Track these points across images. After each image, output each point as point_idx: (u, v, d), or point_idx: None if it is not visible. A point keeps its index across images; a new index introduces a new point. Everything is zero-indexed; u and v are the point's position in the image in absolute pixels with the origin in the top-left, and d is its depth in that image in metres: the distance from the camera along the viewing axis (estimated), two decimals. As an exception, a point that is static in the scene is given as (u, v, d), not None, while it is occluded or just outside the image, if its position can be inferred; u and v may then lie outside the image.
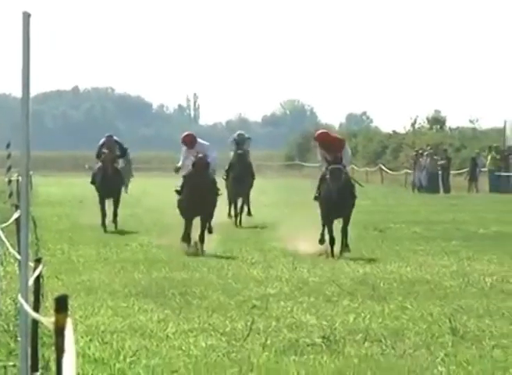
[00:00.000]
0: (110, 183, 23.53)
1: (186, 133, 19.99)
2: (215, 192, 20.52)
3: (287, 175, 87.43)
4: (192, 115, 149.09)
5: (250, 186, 30.74)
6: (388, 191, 61.24)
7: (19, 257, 8.84)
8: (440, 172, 58.92)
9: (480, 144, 68.03)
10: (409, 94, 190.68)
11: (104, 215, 23.94)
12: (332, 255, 19.71)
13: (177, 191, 20.21)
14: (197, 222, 21.15)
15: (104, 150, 23.54)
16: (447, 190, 58.01)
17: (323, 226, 20.12)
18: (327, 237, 20.44)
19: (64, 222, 25.04)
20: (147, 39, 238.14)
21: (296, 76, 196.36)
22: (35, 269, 7.93)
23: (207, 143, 20.56)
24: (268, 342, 10.99)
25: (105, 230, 23.62)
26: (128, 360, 9.73)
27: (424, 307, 13.48)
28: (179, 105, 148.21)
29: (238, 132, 33.37)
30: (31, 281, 7.73)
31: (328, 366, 9.84)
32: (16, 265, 10.35)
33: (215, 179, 20.53)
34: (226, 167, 30.30)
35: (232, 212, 30.04)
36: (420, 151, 62.39)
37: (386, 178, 72.39)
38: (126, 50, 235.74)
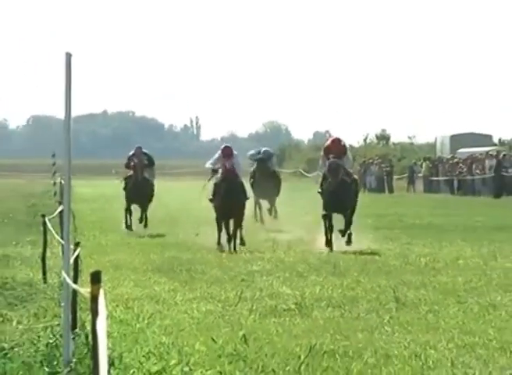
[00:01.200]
0: (139, 189, 21.55)
1: (225, 145, 17.80)
2: (244, 196, 18.15)
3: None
4: (195, 132, 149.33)
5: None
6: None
7: (62, 242, 8.84)
8: (385, 176, 59.89)
9: (416, 155, 68.86)
10: (361, 116, 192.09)
11: (130, 215, 21.87)
12: (330, 244, 17.17)
13: (210, 200, 17.76)
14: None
15: (135, 159, 21.88)
16: (391, 190, 58.90)
17: (324, 221, 17.32)
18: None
19: (96, 214, 24.51)
20: (161, 74, 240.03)
21: (274, 102, 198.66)
22: (74, 251, 7.92)
23: (236, 153, 18.08)
24: (254, 308, 10.98)
25: (131, 230, 21.53)
26: (146, 321, 9.70)
27: (374, 281, 13.38)
28: (185, 125, 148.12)
29: (264, 148, 28.93)
30: (71, 260, 7.73)
31: (299, 326, 9.86)
32: (60, 248, 10.28)
33: (243, 184, 18.16)
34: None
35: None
36: (370, 160, 62.73)
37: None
38: (145, 82, 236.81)
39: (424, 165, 59.30)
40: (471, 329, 9.60)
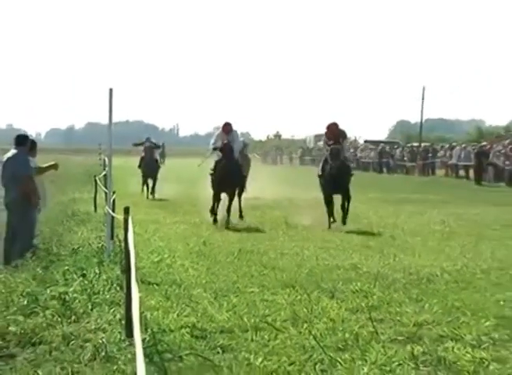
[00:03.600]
0: (150, 167, 18.13)
1: (225, 122, 12.14)
2: (240, 172, 12.41)
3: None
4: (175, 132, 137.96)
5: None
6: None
7: (106, 190, 8.97)
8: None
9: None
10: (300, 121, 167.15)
11: (146, 187, 18.14)
12: (333, 218, 11.20)
13: (211, 174, 12.13)
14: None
15: (146, 143, 18.58)
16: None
17: (326, 204, 11.45)
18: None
19: (124, 178, 21.83)
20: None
21: (242, 114, 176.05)
22: (112, 195, 8.19)
23: (236, 130, 12.43)
24: (210, 227, 11.02)
25: (147, 198, 17.68)
26: (151, 234, 9.71)
27: (269, 213, 13.11)
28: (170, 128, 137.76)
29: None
30: (111, 200, 8.02)
31: (235, 236, 9.71)
32: (104, 194, 10.46)
33: (238, 161, 12.34)
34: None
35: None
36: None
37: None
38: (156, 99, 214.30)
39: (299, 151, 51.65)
40: (330, 239, 9.61)
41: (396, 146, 41.26)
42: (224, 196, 11.75)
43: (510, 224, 11.76)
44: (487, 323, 4.85)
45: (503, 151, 25.21)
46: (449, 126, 71.78)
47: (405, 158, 36.39)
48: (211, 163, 12.08)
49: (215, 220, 11.50)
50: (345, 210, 11.14)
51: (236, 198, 12.15)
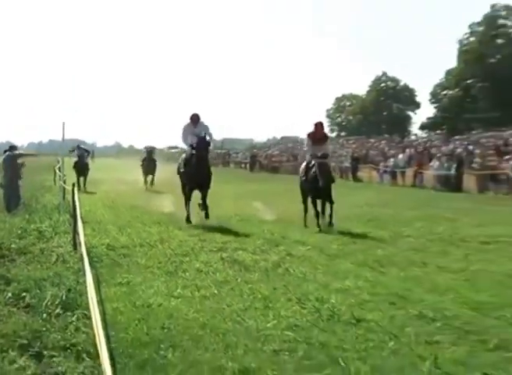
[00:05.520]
0: (81, 168, 20.31)
1: (194, 113, 11.43)
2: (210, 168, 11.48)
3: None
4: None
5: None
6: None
7: (60, 174, 14.33)
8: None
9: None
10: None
11: (78, 183, 17.48)
12: (319, 226, 10.50)
13: (180, 173, 11.81)
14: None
15: (79, 151, 20.92)
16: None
17: (305, 205, 11.21)
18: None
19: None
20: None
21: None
22: (64, 178, 13.44)
23: (206, 124, 11.54)
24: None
25: (79, 190, 16.49)
26: (85, 198, 14.60)
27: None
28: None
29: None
30: (63, 179, 13.52)
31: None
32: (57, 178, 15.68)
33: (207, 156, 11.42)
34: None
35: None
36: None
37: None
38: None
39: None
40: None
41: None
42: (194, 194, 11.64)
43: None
44: (259, 241, 8.86)
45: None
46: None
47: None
48: (178, 159, 12.35)
49: (189, 219, 11.19)
50: (330, 213, 10.70)
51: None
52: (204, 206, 11.33)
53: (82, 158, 20.62)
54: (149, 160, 21.40)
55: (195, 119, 11.51)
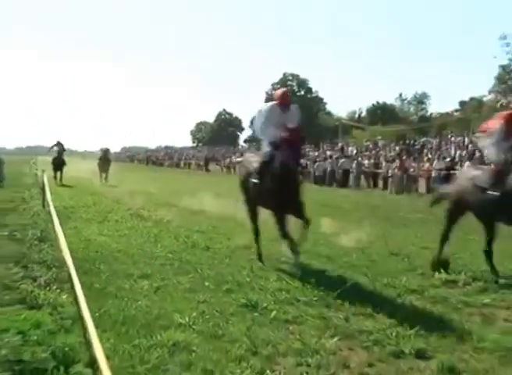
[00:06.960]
0: (59, 163, 22.37)
1: (283, 90, 7.14)
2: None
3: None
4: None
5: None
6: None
7: (35, 166, 18.16)
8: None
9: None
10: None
11: (55, 177, 21.80)
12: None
13: (251, 187, 6.93)
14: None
15: (57, 147, 22.84)
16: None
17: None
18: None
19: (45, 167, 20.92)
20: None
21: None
22: (37, 167, 17.22)
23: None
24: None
25: (56, 184, 20.76)
26: (56, 189, 17.70)
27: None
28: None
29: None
30: (36, 167, 17.86)
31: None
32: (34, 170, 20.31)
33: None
34: None
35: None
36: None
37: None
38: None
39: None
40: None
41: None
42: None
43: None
44: (154, 203, 13.41)
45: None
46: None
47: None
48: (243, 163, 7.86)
49: (261, 259, 7.05)
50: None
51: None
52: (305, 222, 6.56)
53: (60, 154, 22.33)
54: (104, 159, 23.38)
55: (286, 100, 6.89)
